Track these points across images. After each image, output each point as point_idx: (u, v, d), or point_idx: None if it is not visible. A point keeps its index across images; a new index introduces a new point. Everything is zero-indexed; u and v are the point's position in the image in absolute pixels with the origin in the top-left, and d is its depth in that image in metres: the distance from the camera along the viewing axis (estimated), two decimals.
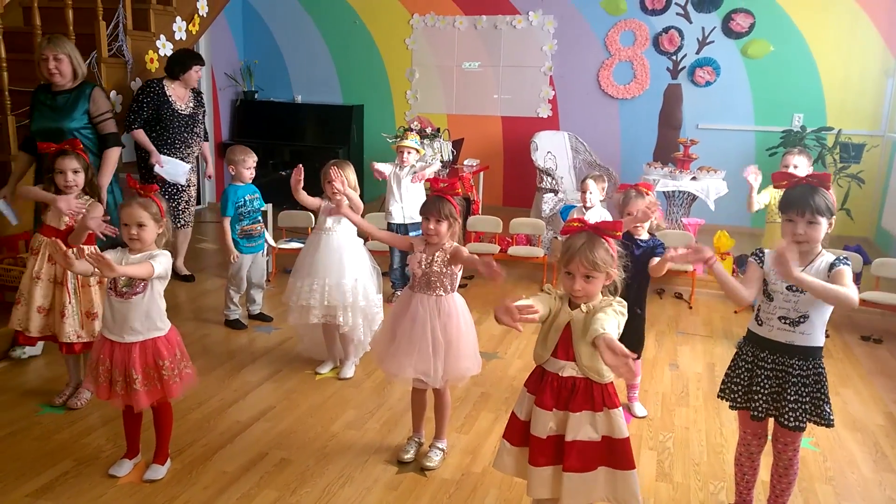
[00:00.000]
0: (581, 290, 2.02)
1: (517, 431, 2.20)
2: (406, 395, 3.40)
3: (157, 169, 4.84)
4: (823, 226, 2.28)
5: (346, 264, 3.63)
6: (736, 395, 2.48)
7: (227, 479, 2.77)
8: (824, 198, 2.27)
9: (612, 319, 1.97)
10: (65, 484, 2.70)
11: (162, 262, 2.56)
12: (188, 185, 5.11)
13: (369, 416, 3.33)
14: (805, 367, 2.32)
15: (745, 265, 2.47)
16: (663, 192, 5.60)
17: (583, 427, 2.06)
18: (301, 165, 3.67)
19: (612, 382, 2.10)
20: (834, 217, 2.31)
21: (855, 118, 6.63)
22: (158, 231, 2.63)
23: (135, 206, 2.57)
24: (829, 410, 2.34)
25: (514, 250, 5.43)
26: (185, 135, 4.98)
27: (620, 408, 2.12)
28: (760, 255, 2.42)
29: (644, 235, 3.19)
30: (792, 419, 2.33)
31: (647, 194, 3.22)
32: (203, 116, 5.18)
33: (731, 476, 2.84)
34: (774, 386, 2.37)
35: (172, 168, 4.89)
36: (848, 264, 2.26)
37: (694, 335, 4.53)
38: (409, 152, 4.84)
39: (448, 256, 2.76)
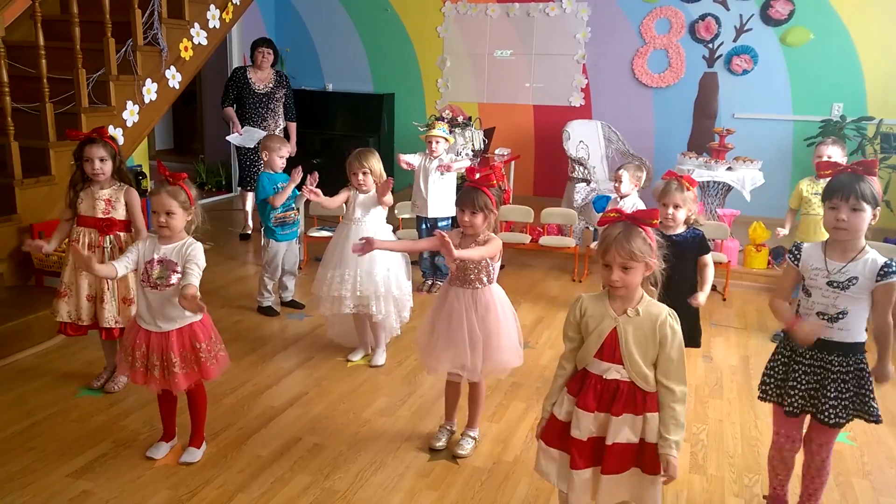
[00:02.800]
0: (619, 282, 1.97)
1: (556, 433, 2.14)
2: (437, 382, 3.41)
3: (228, 137, 5.91)
4: (868, 214, 2.20)
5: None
6: (768, 389, 2.44)
7: (261, 462, 2.80)
8: (870, 185, 2.20)
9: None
10: (104, 465, 2.75)
11: (198, 268, 2.59)
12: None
13: (401, 403, 3.34)
14: (845, 364, 2.26)
15: (781, 260, 2.42)
16: (698, 182, 5.51)
17: (622, 430, 2.02)
18: (316, 173, 3.71)
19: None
20: (878, 208, 2.24)
21: None
22: (187, 219, 2.65)
23: (163, 194, 2.58)
24: (875, 406, 2.28)
25: (545, 240, 5.40)
26: (261, 110, 5.95)
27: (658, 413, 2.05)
28: (797, 252, 2.36)
29: (681, 229, 3.16)
30: (832, 416, 2.27)
31: (689, 189, 3.17)
32: (284, 95, 6.08)
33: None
34: (812, 382, 2.31)
35: (248, 134, 5.86)
36: None
37: (728, 327, 4.47)
38: (437, 142, 4.74)
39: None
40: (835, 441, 2.40)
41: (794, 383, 2.34)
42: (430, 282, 5.01)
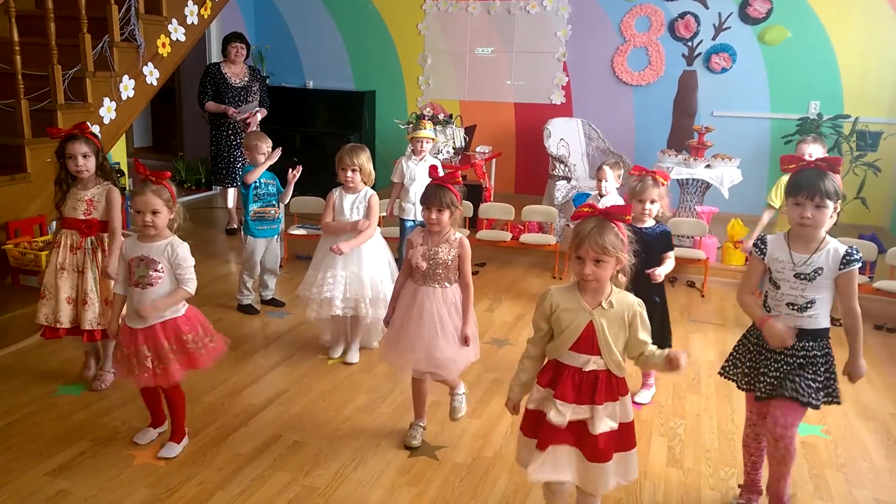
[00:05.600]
0: (592, 275, 2.02)
1: (530, 422, 2.19)
2: None
3: (231, 115, 5.95)
4: (830, 210, 2.27)
5: (364, 255, 3.62)
6: (739, 376, 2.51)
7: (241, 460, 2.80)
8: (833, 182, 2.27)
9: (647, 332, 2.08)
10: (82, 464, 2.73)
11: (191, 270, 2.68)
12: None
13: (381, 400, 3.34)
14: (814, 348, 2.34)
15: (750, 262, 2.48)
16: (677, 179, 5.57)
17: (605, 420, 2.08)
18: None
19: None
20: (840, 202, 2.30)
21: (872, 106, 6.56)
22: (170, 217, 2.67)
23: (148, 193, 2.59)
24: (837, 388, 2.37)
25: (526, 238, 5.42)
26: (240, 103, 6.05)
27: (629, 393, 2.17)
28: (762, 246, 2.42)
29: (649, 223, 3.22)
30: (806, 394, 2.31)
31: (663, 184, 3.22)
32: (259, 89, 6.22)
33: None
34: (783, 368, 2.37)
35: (244, 108, 6.02)
36: (861, 262, 2.29)
37: (706, 323, 4.52)
38: (427, 142, 4.73)
39: (456, 255, 2.78)
40: (798, 426, 2.40)
41: (765, 370, 2.40)
42: None
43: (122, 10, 4.69)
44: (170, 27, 5.01)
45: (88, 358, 3.41)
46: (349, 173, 3.62)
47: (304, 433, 3.02)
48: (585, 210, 2.08)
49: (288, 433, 3.01)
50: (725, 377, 2.59)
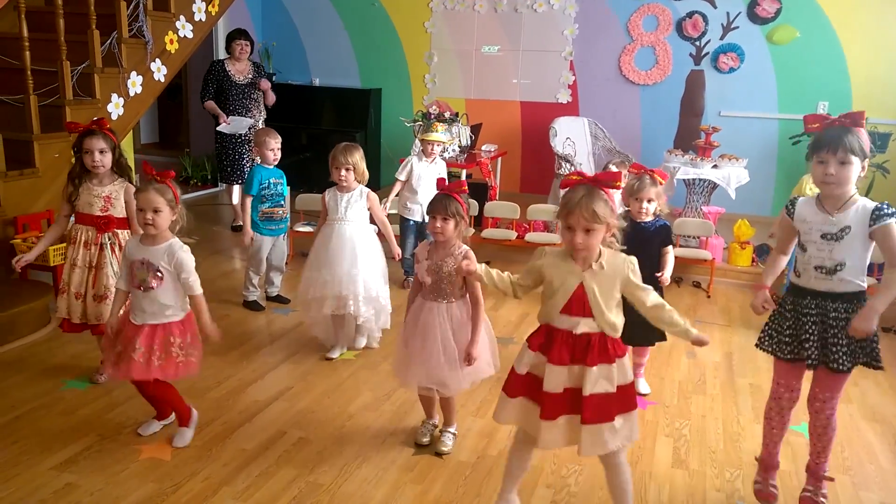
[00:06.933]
0: (582, 244, 2.02)
1: (516, 384, 2.22)
2: None
3: (220, 127, 5.92)
4: (856, 167, 2.20)
5: (358, 254, 3.60)
6: (781, 345, 2.43)
7: (246, 456, 2.80)
8: (857, 137, 2.20)
9: (647, 288, 2.10)
10: (88, 458, 2.75)
11: (194, 274, 2.69)
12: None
13: (385, 398, 3.34)
14: (850, 311, 2.28)
15: (766, 257, 2.48)
16: (683, 179, 5.55)
17: (600, 380, 2.08)
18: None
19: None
20: (867, 160, 2.23)
21: (881, 107, 6.51)
22: (172, 217, 2.66)
23: (151, 191, 2.60)
24: (878, 350, 2.31)
25: (531, 237, 5.41)
26: (244, 101, 6.02)
27: (627, 354, 2.17)
28: (791, 207, 2.38)
29: (648, 218, 3.23)
30: (842, 362, 2.28)
31: (661, 183, 3.23)
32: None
33: (747, 464, 2.86)
34: (821, 332, 2.32)
35: (236, 123, 5.94)
36: (895, 215, 2.20)
37: (712, 324, 4.51)
38: (438, 144, 4.70)
39: (459, 266, 2.71)
40: (839, 396, 2.40)
41: (807, 336, 2.34)
42: (410, 279, 5.00)
43: (131, 7, 4.70)
44: (178, 24, 5.02)
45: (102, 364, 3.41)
46: (343, 172, 3.62)
47: (308, 430, 3.02)
48: (574, 178, 2.07)
49: (293, 430, 3.02)
50: (762, 349, 2.51)
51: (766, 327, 2.52)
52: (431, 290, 2.76)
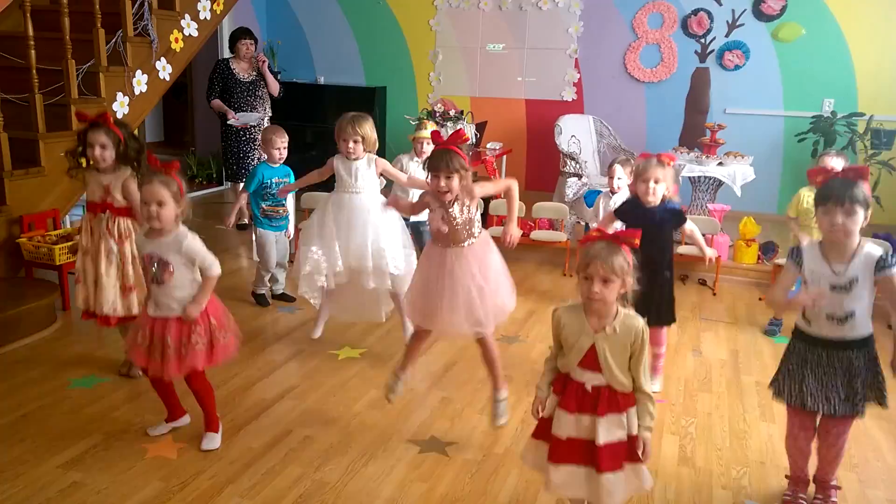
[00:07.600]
0: (599, 294, 2.03)
1: (542, 427, 2.24)
2: (427, 376, 3.46)
3: (230, 121, 5.92)
4: (860, 217, 2.26)
5: (368, 225, 3.53)
6: (786, 390, 2.48)
7: (252, 454, 2.81)
8: (862, 189, 2.27)
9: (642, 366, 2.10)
10: (95, 456, 2.75)
11: (209, 255, 2.67)
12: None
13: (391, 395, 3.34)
14: (859, 357, 2.35)
15: (772, 255, 2.50)
16: (689, 177, 5.54)
17: (611, 429, 2.09)
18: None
19: None
20: (870, 209, 2.30)
21: (887, 104, 6.49)
22: (177, 211, 2.64)
23: (156, 183, 2.57)
24: (884, 388, 2.38)
25: (536, 234, 5.41)
26: (249, 99, 6.03)
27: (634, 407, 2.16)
28: (797, 256, 2.41)
29: (656, 201, 3.23)
30: (854, 407, 2.35)
31: (669, 165, 3.21)
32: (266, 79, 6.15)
33: (753, 462, 2.86)
34: (832, 377, 2.37)
35: (244, 118, 5.95)
36: None
37: (718, 322, 4.50)
38: (427, 143, 4.70)
39: (469, 206, 2.74)
40: (848, 431, 2.47)
41: (815, 382, 2.40)
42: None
43: (136, 6, 4.72)
44: (183, 22, 5.03)
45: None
46: (351, 144, 3.49)
47: (314, 428, 3.03)
48: (594, 234, 2.11)
49: (299, 428, 3.02)
50: (777, 399, 2.54)
51: (778, 372, 2.54)
52: (449, 236, 2.75)
